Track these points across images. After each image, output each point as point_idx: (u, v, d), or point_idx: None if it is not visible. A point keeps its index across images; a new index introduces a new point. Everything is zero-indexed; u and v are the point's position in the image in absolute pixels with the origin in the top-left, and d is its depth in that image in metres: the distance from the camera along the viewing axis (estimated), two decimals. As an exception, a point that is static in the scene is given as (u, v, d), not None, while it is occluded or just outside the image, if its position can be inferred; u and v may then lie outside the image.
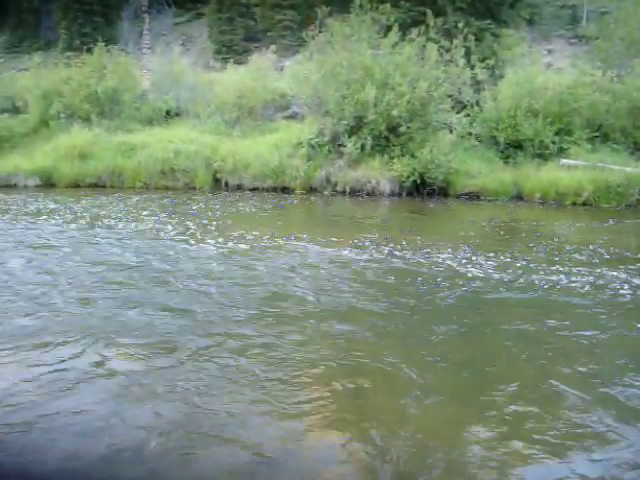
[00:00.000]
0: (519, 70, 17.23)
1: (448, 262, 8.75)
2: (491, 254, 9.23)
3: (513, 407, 4.67)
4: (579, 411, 4.62)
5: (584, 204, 14.57)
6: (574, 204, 14.58)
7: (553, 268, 8.45)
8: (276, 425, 4.37)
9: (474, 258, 8.99)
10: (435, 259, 8.92)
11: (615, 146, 16.11)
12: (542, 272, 8.24)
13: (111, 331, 5.88)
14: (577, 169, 15.13)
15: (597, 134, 16.35)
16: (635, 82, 16.53)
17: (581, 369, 5.32)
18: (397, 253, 9.26)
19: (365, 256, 9.02)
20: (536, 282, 7.77)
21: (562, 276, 8.06)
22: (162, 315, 6.36)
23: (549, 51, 25.57)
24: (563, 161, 15.54)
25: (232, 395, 4.74)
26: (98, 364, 5.22)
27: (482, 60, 16.55)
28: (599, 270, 8.39)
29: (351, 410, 4.64)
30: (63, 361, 5.24)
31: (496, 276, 8.03)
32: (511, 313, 6.85)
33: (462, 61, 15.86)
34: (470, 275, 8.06)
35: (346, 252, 9.24)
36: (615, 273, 8.26)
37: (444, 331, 6.14)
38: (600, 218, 13.27)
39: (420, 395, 4.79)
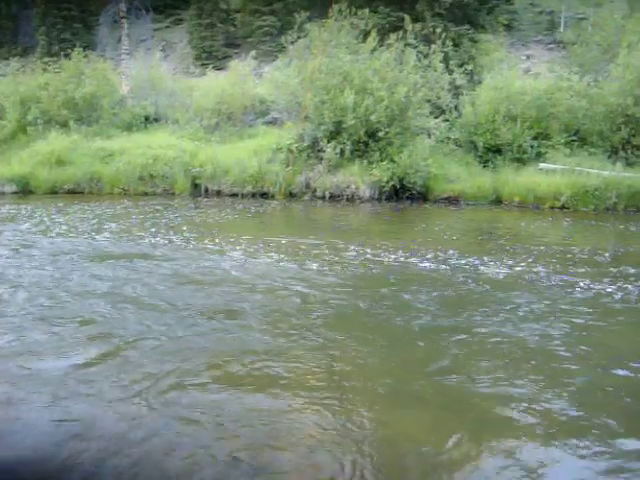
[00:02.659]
0: (497, 75, 17.34)
1: (424, 264, 8.77)
2: (470, 257, 9.27)
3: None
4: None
5: (562, 207, 14.67)
6: (552, 207, 14.68)
7: (529, 268, 8.50)
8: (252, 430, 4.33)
9: (452, 260, 9.02)
10: (411, 262, 8.93)
11: (592, 150, 16.21)
12: (516, 271, 8.29)
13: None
14: (555, 173, 15.23)
15: (575, 138, 16.47)
16: (611, 87, 16.66)
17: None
18: (373, 256, 9.24)
19: (352, 262, 9.00)
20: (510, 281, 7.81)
21: (539, 275, 8.12)
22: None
23: (528, 56, 25.75)
24: (541, 165, 15.64)
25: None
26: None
27: (460, 65, 16.67)
28: (573, 271, 8.47)
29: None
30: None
31: (475, 276, 8.07)
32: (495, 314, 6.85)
33: (440, 66, 15.96)
34: (450, 277, 8.08)
35: (315, 265, 9.21)
36: (579, 274, 8.35)
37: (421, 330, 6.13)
38: (577, 221, 13.42)
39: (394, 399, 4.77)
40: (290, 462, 3.97)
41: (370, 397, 4.84)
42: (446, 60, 16.29)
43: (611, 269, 8.88)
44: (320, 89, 16.08)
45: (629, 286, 7.85)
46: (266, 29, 30.25)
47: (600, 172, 15.04)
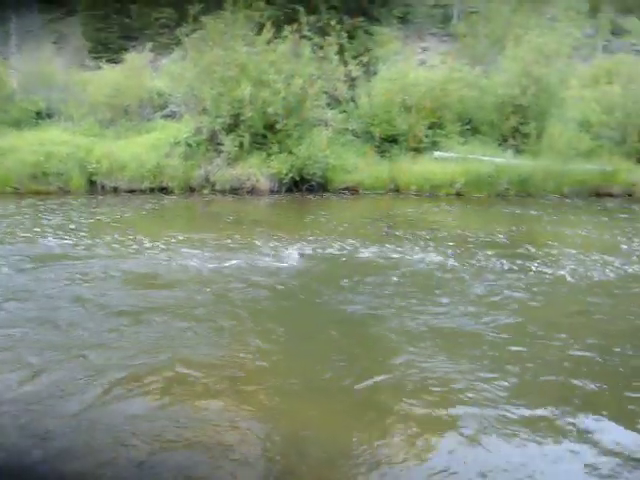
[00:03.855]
0: (392, 67, 17.64)
1: (328, 252, 8.93)
2: (370, 244, 9.50)
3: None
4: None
5: (457, 194, 15.19)
6: (448, 194, 15.17)
7: (426, 252, 8.78)
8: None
9: (353, 248, 9.21)
10: (314, 251, 9.05)
11: (484, 138, 16.84)
12: (415, 255, 8.53)
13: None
14: (450, 161, 15.71)
15: (467, 127, 17.03)
16: (500, 78, 17.30)
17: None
18: (272, 248, 9.28)
19: (249, 254, 8.97)
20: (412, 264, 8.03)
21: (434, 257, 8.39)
22: None
23: (423, 49, 26.27)
24: (436, 154, 16.08)
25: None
26: None
27: (355, 57, 16.84)
28: (474, 253, 8.82)
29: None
30: None
31: (380, 261, 8.31)
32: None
33: (336, 58, 16.09)
34: (352, 265, 8.29)
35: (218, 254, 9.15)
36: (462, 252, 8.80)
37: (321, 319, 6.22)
38: (472, 207, 13.99)
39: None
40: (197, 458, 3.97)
41: (273, 389, 4.89)
42: (341, 52, 16.44)
43: (509, 249, 9.42)
44: (217, 81, 15.89)
45: (527, 262, 8.35)
46: (163, 21, 29.57)
47: (492, 159, 15.63)
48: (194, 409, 4.53)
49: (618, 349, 5.77)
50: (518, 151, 16.57)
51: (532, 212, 13.94)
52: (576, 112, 18.48)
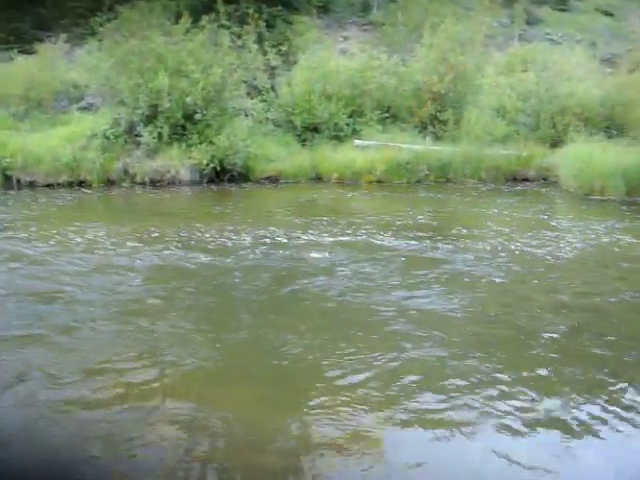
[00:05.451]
0: (312, 56, 17.68)
1: (249, 241, 8.97)
2: (294, 232, 9.57)
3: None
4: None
5: (378, 181, 15.37)
6: (369, 182, 15.33)
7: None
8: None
9: (277, 237, 9.28)
10: (237, 241, 9.07)
11: (404, 125, 17.10)
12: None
13: None
14: (370, 149, 15.89)
15: (387, 115, 17.24)
16: (417, 65, 17.60)
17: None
18: (195, 238, 9.22)
19: (160, 246, 8.86)
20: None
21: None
22: None
23: (344, 37, 26.48)
24: (357, 142, 16.24)
25: None
26: None
27: (275, 46, 16.82)
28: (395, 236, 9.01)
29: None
30: None
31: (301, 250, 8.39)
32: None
33: (255, 47, 16.03)
34: (275, 253, 8.34)
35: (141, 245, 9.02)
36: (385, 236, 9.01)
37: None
38: (393, 193, 14.25)
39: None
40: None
41: (199, 376, 4.88)
42: (260, 41, 16.40)
43: (426, 230, 9.76)
44: (134, 72, 15.57)
45: (443, 241, 8.76)
46: (79, 10, 28.76)
47: (411, 146, 15.88)
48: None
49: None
50: (437, 137, 16.90)
51: (450, 196, 14.31)
52: (492, 99, 18.97)
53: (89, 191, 14.73)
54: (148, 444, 3.97)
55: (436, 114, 17.14)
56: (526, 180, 16.59)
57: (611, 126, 18.51)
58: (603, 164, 14.38)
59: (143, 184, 15.12)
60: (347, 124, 16.62)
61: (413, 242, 9.14)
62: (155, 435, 4.06)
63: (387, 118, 17.15)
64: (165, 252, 8.44)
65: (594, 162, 14.54)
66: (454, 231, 10.40)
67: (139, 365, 5.04)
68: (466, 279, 7.48)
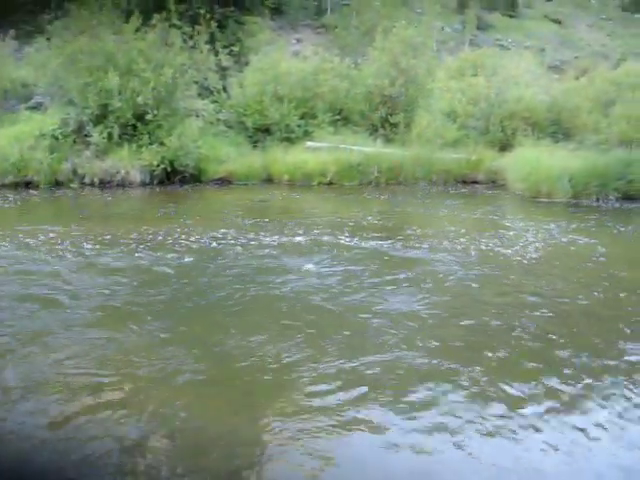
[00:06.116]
0: (264, 57, 17.71)
1: (198, 244, 8.94)
2: (246, 233, 9.60)
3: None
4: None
5: (329, 183, 15.47)
6: (320, 184, 15.41)
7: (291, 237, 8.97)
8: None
9: (227, 238, 9.28)
10: (187, 242, 9.03)
11: (355, 128, 17.27)
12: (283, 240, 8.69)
13: None
14: (321, 151, 15.98)
15: (339, 117, 17.38)
16: (369, 69, 17.78)
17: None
18: (143, 241, 9.13)
19: (112, 248, 8.75)
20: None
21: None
22: None
23: (298, 40, 26.64)
24: (308, 144, 16.31)
25: None
26: None
27: (227, 47, 16.80)
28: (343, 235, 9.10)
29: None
30: None
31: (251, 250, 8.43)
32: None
33: (206, 47, 15.97)
34: (228, 254, 8.35)
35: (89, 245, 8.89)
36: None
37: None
38: (344, 195, 14.40)
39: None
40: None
41: (149, 376, 4.83)
42: (212, 41, 16.35)
43: (385, 233, 10.17)
44: (83, 71, 15.35)
45: (391, 240, 8.71)
46: (28, 7, 28.24)
47: (362, 149, 16.03)
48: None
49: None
50: (388, 140, 17.11)
51: (402, 198, 14.50)
52: (443, 103, 19.29)
53: (36, 192, 14.46)
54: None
55: (387, 117, 17.35)
56: (475, 183, 16.90)
57: (558, 131, 19.01)
58: (550, 168, 14.74)
59: (92, 185, 14.90)
60: (299, 126, 16.71)
61: (370, 242, 9.24)
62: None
63: (339, 120, 17.32)
64: (117, 254, 8.34)
65: (541, 166, 14.89)
66: (409, 231, 10.54)
67: (92, 372, 4.97)
68: (424, 277, 7.59)
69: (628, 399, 4.65)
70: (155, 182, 14.98)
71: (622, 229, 11.35)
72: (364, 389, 4.69)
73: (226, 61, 16.47)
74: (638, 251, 10.25)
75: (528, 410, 4.47)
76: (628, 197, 15.07)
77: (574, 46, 38.33)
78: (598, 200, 14.78)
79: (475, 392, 4.71)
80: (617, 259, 9.27)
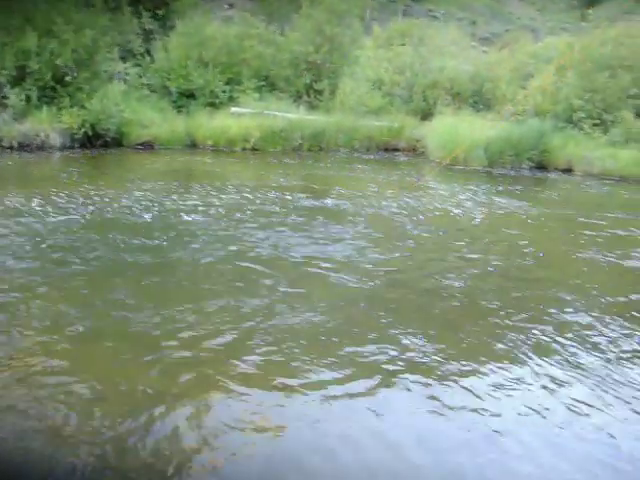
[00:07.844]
0: (189, 21, 17.55)
1: (123, 204, 9.09)
2: (167, 197, 9.72)
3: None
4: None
5: (253, 149, 15.61)
6: (244, 149, 15.56)
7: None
8: None
9: (148, 200, 9.40)
10: (109, 207, 9.08)
11: (280, 94, 17.36)
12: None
13: None
14: (246, 116, 16.06)
15: (264, 83, 17.45)
16: (295, 36, 17.85)
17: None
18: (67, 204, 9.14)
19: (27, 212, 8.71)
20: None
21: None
22: None
23: (230, 5, 26.36)
24: (233, 109, 16.36)
25: None
26: None
27: (151, 10, 16.60)
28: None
29: None
30: None
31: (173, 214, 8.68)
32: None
33: (129, 10, 15.76)
34: (150, 218, 8.50)
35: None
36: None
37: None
38: (266, 160, 14.60)
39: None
40: None
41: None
42: (135, 4, 16.13)
43: (310, 193, 10.84)
44: None
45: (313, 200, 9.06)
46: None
47: (285, 115, 16.19)
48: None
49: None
50: (312, 107, 17.30)
51: (324, 163, 14.78)
52: (370, 71, 19.53)
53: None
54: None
55: (312, 84, 17.51)
56: (397, 150, 17.31)
57: (479, 101, 19.51)
58: (468, 137, 15.22)
59: (11, 148, 14.62)
60: (224, 91, 16.73)
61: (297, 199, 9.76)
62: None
63: (264, 87, 17.39)
64: (30, 219, 8.30)
65: (459, 135, 15.37)
66: (333, 192, 11.24)
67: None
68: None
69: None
70: (76, 146, 14.80)
71: (528, 192, 12.14)
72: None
73: (151, 24, 16.26)
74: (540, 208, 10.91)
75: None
76: (541, 166, 15.79)
77: (505, 19, 39.02)
78: (512, 169, 15.41)
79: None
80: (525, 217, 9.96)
